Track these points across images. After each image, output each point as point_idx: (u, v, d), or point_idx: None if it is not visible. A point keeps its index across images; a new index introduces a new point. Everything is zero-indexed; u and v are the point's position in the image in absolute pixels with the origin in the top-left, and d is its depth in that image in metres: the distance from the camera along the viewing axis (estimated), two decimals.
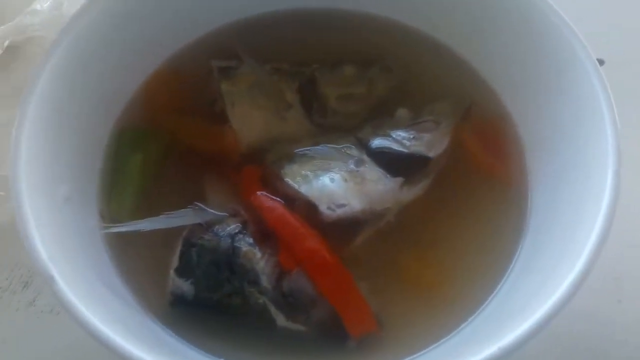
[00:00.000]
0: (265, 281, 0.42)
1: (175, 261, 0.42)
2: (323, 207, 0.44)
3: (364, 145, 0.48)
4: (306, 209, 0.44)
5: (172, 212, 0.43)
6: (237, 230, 0.43)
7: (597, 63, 0.42)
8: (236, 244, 0.43)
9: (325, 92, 0.52)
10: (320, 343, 0.42)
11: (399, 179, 0.46)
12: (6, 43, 0.57)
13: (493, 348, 0.32)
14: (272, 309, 0.42)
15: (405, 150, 0.47)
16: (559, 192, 0.43)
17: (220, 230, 0.43)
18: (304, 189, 0.45)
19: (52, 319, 0.49)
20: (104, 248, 0.43)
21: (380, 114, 0.51)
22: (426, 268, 0.46)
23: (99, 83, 0.47)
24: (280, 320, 0.42)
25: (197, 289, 0.42)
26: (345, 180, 0.45)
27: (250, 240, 0.43)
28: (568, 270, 0.34)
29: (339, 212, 0.44)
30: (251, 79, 0.51)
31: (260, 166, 0.48)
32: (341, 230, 0.45)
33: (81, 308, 0.33)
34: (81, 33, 0.44)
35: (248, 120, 0.50)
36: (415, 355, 0.40)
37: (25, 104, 0.40)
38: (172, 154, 0.49)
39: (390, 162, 0.46)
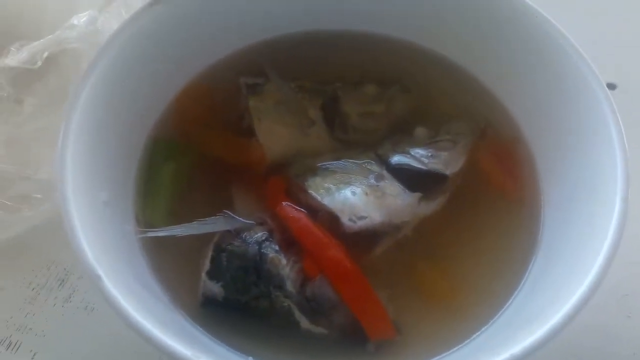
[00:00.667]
0: (290, 286, 0.44)
1: (206, 265, 0.45)
2: (345, 219, 0.47)
3: (383, 162, 0.50)
4: (328, 220, 0.47)
5: (204, 219, 0.46)
6: (264, 238, 0.46)
7: (608, 90, 0.44)
8: (263, 251, 0.45)
9: (347, 109, 0.55)
10: (341, 345, 0.44)
11: (417, 194, 0.48)
12: (45, 55, 0.61)
13: (505, 355, 0.34)
14: (296, 312, 0.44)
15: (424, 167, 0.50)
16: (570, 212, 0.45)
17: (248, 237, 0.46)
18: (326, 200, 0.47)
19: (87, 315, 0.52)
20: (140, 250, 0.46)
21: (399, 132, 0.54)
22: (441, 279, 0.48)
23: (135, 97, 0.50)
24: (304, 323, 0.44)
25: (227, 291, 0.44)
26: (366, 194, 0.48)
27: (276, 248, 0.46)
28: (577, 285, 0.37)
29: (360, 223, 0.47)
30: (277, 96, 0.54)
31: (285, 178, 0.50)
32: (361, 241, 0.47)
33: (124, 304, 0.35)
34: (119, 51, 0.47)
35: (274, 135, 0.53)
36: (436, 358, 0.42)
37: (68, 117, 0.43)
38: (202, 164, 0.52)
39: (409, 178, 0.49)
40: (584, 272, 0.37)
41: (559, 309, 0.36)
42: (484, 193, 0.51)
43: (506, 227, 0.49)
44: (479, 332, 0.44)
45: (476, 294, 0.47)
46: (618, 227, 0.39)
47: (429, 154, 0.51)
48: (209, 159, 0.52)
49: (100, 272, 0.36)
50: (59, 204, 0.40)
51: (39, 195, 0.56)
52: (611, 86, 0.45)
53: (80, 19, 0.62)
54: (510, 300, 0.45)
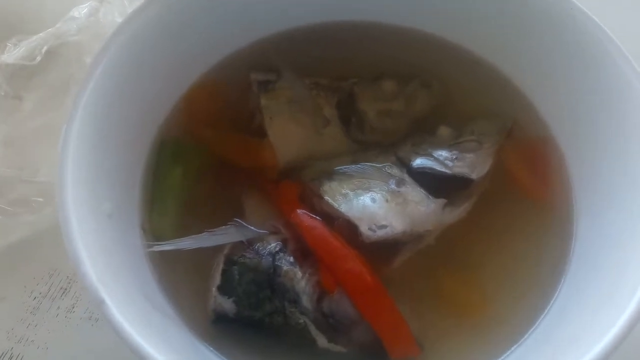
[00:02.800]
0: (305, 301, 0.42)
1: (217, 278, 0.42)
2: (364, 228, 0.44)
3: (404, 165, 0.47)
4: (346, 229, 0.44)
5: (214, 230, 0.43)
6: (277, 249, 0.43)
7: None
8: (277, 263, 0.43)
9: (364, 107, 0.51)
10: None
11: (442, 201, 0.45)
12: (45, 49, 0.58)
13: None
14: (313, 330, 0.42)
15: (448, 171, 0.46)
16: (606, 219, 0.42)
17: (261, 248, 0.43)
18: (344, 208, 0.44)
19: (92, 325, 0.50)
20: (146, 264, 0.43)
21: (420, 131, 0.50)
22: (467, 291, 0.45)
23: (140, 97, 0.47)
24: (321, 341, 0.42)
25: (239, 307, 0.42)
26: (387, 201, 0.45)
27: (291, 259, 0.43)
28: (620, 305, 0.34)
29: (380, 233, 0.44)
30: (290, 94, 0.51)
31: (298, 182, 0.47)
32: (381, 251, 0.44)
33: (130, 330, 0.33)
34: (122, 47, 0.44)
35: (286, 135, 0.50)
36: None
37: (70, 121, 0.40)
38: (211, 167, 0.49)
39: (432, 183, 0.46)
40: (630, 288, 0.34)
41: (603, 331, 0.33)
42: (512, 198, 0.48)
43: (537, 234, 0.46)
44: (509, 352, 0.41)
45: (505, 307, 0.44)
46: None
47: (454, 157, 0.47)
48: (218, 161, 0.49)
49: (104, 295, 0.33)
50: (58, 217, 0.37)
51: (40, 199, 0.53)
52: None
53: (80, 11, 0.60)
54: (543, 315, 0.42)
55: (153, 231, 0.45)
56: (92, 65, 0.42)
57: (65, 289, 0.52)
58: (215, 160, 0.49)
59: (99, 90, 0.42)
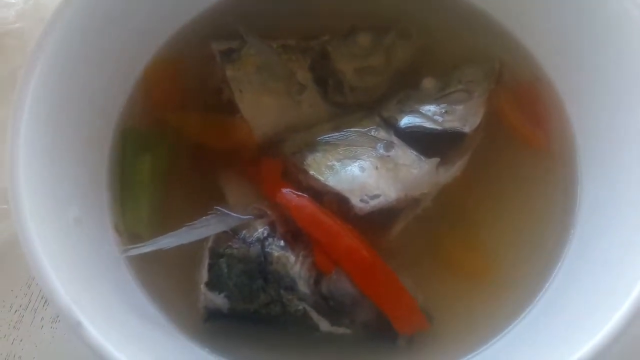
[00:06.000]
0: (302, 286, 0.39)
1: (204, 275, 0.39)
2: (355, 200, 0.41)
3: (391, 125, 0.44)
4: (337, 203, 0.41)
5: (194, 222, 0.39)
6: (265, 234, 0.40)
7: None
8: (267, 250, 0.39)
9: (340, 66, 0.47)
10: (369, 345, 0.40)
11: (435, 160, 0.42)
12: None
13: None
14: (314, 315, 0.39)
15: (439, 127, 0.43)
16: (612, 163, 0.39)
17: (247, 235, 0.40)
18: (331, 181, 0.41)
19: None
20: (126, 269, 0.40)
21: (404, 86, 0.47)
22: (470, 252, 0.43)
23: (93, 81, 0.42)
24: (324, 325, 0.39)
25: (232, 302, 0.39)
26: (376, 168, 0.42)
27: (281, 243, 0.40)
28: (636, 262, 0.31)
29: (373, 203, 0.41)
30: (257, 61, 0.46)
31: (280, 158, 0.44)
32: (376, 222, 0.41)
33: (115, 353, 0.30)
34: (66, 28, 0.39)
35: (259, 108, 0.46)
36: (472, 354, 0.38)
37: (14, 122, 0.36)
38: (182, 153, 0.45)
39: (423, 142, 0.43)
40: None
41: (620, 297, 0.30)
42: (510, 149, 0.45)
43: (538, 185, 0.44)
44: (521, 316, 0.39)
45: (511, 267, 0.42)
46: None
47: (443, 110, 0.44)
48: (189, 146, 0.45)
49: (80, 316, 0.30)
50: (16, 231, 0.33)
51: (4, 206, 0.49)
52: None
53: None
54: (553, 275, 0.40)
55: (128, 231, 0.42)
56: (32, 57, 0.38)
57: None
58: (185, 145, 0.45)
59: (45, 80, 0.38)
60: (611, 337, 0.30)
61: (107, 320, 0.32)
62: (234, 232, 0.40)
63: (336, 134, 0.44)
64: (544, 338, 0.34)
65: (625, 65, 0.38)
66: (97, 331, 0.30)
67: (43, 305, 0.48)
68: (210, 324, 0.39)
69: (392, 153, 0.42)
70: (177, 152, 0.45)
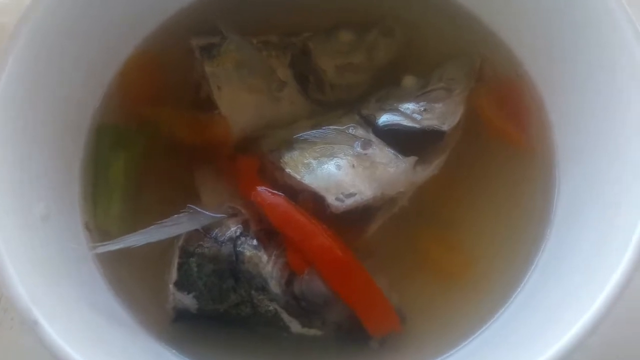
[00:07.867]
0: (274, 286, 0.38)
1: (173, 274, 0.38)
2: (331, 199, 0.40)
3: (370, 123, 0.43)
4: (312, 202, 0.40)
5: (165, 220, 0.39)
6: (238, 233, 0.39)
7: (630, 11, 0.36)
8: (239, 249, 0.39)
9: (321, 63, 0.47)
10: (340, 346, 0.39)
11: (412, 159, 0.41)
12: None
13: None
14: (285, 316, 0.38)
15: (417, 126, 0.42)
16: (590, 162, 0.38)
17: (219, 234, 0.39)
18: (307, 179, 0.40)
19: None
20: (94, 267, 0.39)
21: (385, 84, 0.46)
22: (447, 252, 0.42)
23: (68, 77, 0.42)
24: (295, 326, 0.38)
25: (201, 302, 0.38)
26: (353, 166, 0.41)
27: (254, 243, 0.39)
28: (613, 264, 0.30)
29: (349, 202, 0.40)
30: (237, 57, 0.46)
31: (257, 156, 0.43)
32: (352, 221, 0.41)
33: (71, 352, 0.29)
34: (35, 28, 0.38)
35: (238, 104, 0.45)
36: (446, 355, 0.37)
37: None
38: (157, 150, 0.44)
39: (401, 140, 0.42)
40: (622, 245, 0.30)
41: (594, 293, 0.30)
42: (488, 146, 0.44)
43: (516, 184, 0.43)
44: (496, 315, 0.38)
45: (487, 267, 0.41)
46: None
47: (422, 108, 0.43)
48: (164, 143, 0.44)
49: (38, 315, 0.29)
50: None
51: None
52: None
53: None
54: (529, 274, 0.39)
55: (98, 228, 0.41)
56: (4, 48, 0.37)
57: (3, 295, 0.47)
58: (160, 142, 0.44)
59: (16, 74, 0.37)
60: (583, 334, 0.29)
61: (69, 320, 0.31)
62: (205, 231, 0.39)
63: (314, 131, 0.43)
64: (518, 337, 0.33)
65: (606, 63, 0.37)
66: (54, 331, 0.29)
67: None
68: (179, 325, 0.39)
69: (369, 151, 0.42)
70: (153, 148, 0.44)
